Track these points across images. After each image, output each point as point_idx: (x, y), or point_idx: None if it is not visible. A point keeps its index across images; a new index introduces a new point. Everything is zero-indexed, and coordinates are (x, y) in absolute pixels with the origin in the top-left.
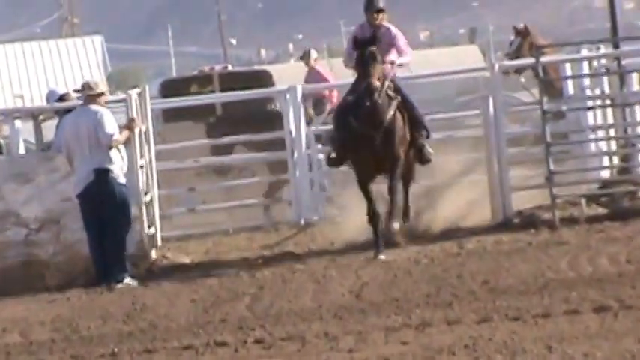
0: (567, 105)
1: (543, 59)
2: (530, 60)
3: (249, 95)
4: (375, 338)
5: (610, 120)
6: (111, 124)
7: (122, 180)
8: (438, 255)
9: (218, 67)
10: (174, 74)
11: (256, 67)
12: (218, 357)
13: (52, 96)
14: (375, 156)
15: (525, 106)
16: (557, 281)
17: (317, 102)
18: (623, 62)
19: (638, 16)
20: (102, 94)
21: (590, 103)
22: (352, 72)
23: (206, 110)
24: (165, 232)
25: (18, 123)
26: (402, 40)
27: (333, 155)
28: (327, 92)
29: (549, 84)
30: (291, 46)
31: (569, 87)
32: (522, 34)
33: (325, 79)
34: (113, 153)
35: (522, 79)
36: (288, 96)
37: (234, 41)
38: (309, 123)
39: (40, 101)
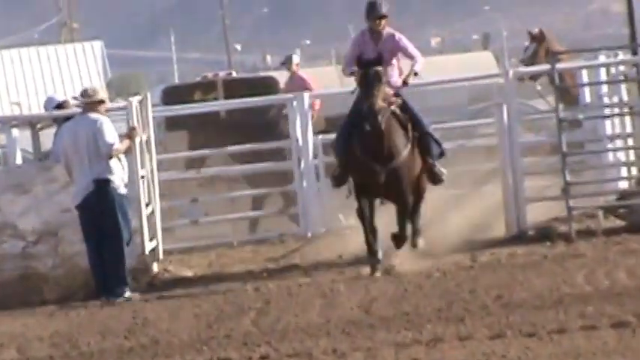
0: (584, 113)
1: (559, 65)
2: (546, 66)
3: (254, 103)
4: (385, 355)
5: (628, 129)
6: (111, 132)
7: (123, 190)
8: (450, 268)
9: (222, 74)
10: (176, 81)
11: (262, 74)
12: None
13: (50, 103)
14: (379, 190)
15: (541, 115)
16: (573, 296)
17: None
18: None
19: None
20: (102, 101)
21: (607, 111)
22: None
23: (210, 118)
24: (167, 245)
25: (15, 131)
26: (408, 44)
27: (337, 173)
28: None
29: (565, 91)
30: (298, 52)
31: (586, 94)
32: (537, 39)
33: (308, 87)
34: (113, 163)
35: (538, 87)
36: (295, 103)
37: (238, 46)
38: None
39: (37, 109)
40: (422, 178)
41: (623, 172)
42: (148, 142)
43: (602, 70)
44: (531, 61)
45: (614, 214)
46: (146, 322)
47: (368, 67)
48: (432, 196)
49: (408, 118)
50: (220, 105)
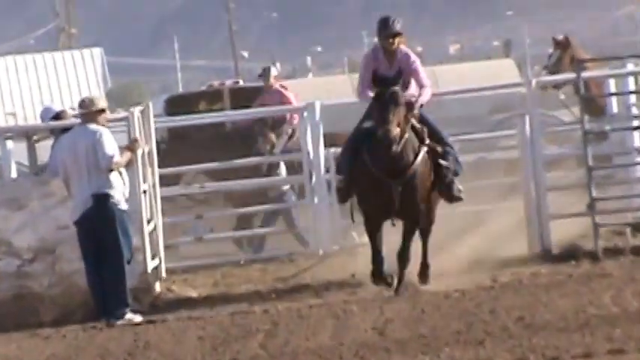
0: (611, 124)
1: (585, 74)
2: (571, 75)
3: (263, 113)
4: None
5: None
6: (111, 144)
7: (123, 206)
8: (469, 288)
9: (229, 82)
10: (180, 90)
11: None
12: None
13: (46, 114)
14: (391, 205)
15: (565, 126)
16: (599, 318)
17: (275, 124)
18: None
19: None
20: (102, 111)
21: (636, 122)
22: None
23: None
24: (170, 263)
25: (10, 143)
26: (420, 69)
27: (341, 187)
28: (288, 115)
29: (591, 101)
30: (309, 60)
31: (614, 105)
32: (562, 46)
33: (287, 100)
34: (113, 176)
35: (562, 96)
36: (305, 114)
37: (246, 54)
38: (271, 149)
39: (33, 120)
40: (434, 196)
41: None
42: (150, 154)
43: (630, 79)
44: (555, 68)
45: None
46: (148, 345)
47: (384, 87)
48: (450, 212)
49: (426, 130)
50: (227, 116)
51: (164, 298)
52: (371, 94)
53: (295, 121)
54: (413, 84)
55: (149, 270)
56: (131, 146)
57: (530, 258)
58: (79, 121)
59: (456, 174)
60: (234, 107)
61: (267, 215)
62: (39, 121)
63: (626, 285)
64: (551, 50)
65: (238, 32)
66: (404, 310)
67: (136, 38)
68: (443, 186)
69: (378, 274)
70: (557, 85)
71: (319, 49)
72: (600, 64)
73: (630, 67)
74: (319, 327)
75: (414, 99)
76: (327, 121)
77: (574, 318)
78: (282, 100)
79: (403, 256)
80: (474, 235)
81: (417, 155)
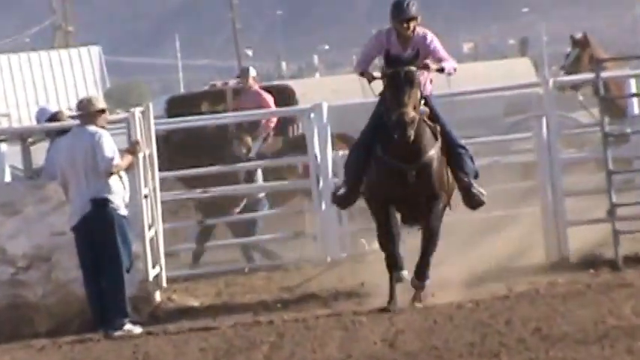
0: (632, 127)
1: (605, 74)
2: (590, 75)
3: (267, 115)
4: None
5: None
6: (110, 146)
7: (123, 211)
8: (483, 298)
9: (232, 82)
10: (182, 90)
11: (276, 83)
12: None
13: (42, 115)
14: (407, 196)
15: (584, 128)
16: (620, 329)
17: (251, 127)
18: None
19: None
20: (102, 112)
21: None
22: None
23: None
24: (171, 272)
25: (3, 146)
26: (439, 47)
27: (343, 191)
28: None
29: (611, 102)
30: (316, 58)
31: (635, 106)
32: (581, 44)
33: (264, 104)
34: (113, 180)
35: (580, 97)
36: (312, 115)
37: (250, 52)
38: (248, 152)
39: (28, 121)
40: (448, 193)
41: None
42: (150, 157)
43: None
44: (573, 68)
45: None
46: (147, 357)
47: (399, 67)
48: (463, 219)
49: (438, 130)
50: (230, 117)
51: (164, 307)
52: (363, 67)
53: (272, 125)
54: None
55: (150, 278)
56: (132, 149)
57: (547, 266)
58: (76, 122)
59: (475, 176)
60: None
61: (248, 223)
62: (34, 123)
63: None
64: (569, 49)
65: (242, 30)
66: (415, 321)
67: (136, 36)
68: (461, 191)
69: (395, 266)
70: (575, 86)
71: (326, 47)
72: (620, 63)
73: None
74: (327, 338)
75: (436, 66)
76: (336, 123)
77: (593, 329)
78: (260, 102)
79: (421, 269)
80: (487, 243)
81: (432, 146)
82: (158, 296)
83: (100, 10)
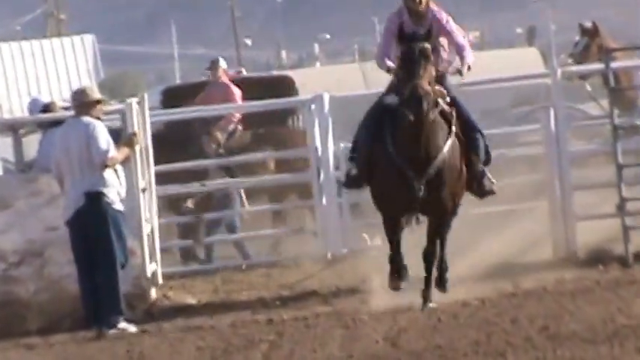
0: None
1: (615, 64)
2: (599, 65)
3: (267, 105)
4: None
5: None
6: (105, 138)
7: (118, 206)
8: (489, 296)
9: (231, 73)
10: (178, 81)
11: (276, 73)
12: None
13: (34, 106)
14: (413, 198)
15: (593, 120)
16: (629, 327)
17: (215, 120)
18: None
19: None
20: (97, 102)
21: None
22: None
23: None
24: (167, 268)
25: None
26: (455, 29)
27: (354, 172)
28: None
29: (621, 94)
30: (316, 47)
31: None
32: (590, 33)
33: (231, 98)
34: (108, 174)
35: (588, 87)
36: (313, 106)
37: (249, 41)
38: (218, 147)
39: (20, 112)
40: (460, 187)
41: None
42: (146, 150)
43: None
44: (581, 57)
45: None
46: (142, 356)
47: (413, 43)
48: (468, 213)
49: (455, 114)
50: (228, 108)
51: (160, 305)
52: (390, 63)
53: (235, 119)
54: (440, 49)
55: (148, 274)
56: (129, 142)
57: (554, 263)
58: (69, 113)
59: (487, 163)
60: None
61: (211, 222)
62: (26, 114)
63: None
64: (577, 38)
65: (241, 18)
66: (419, 319)
67: (131, 24)
68: (472, 178)
69: (396, 273)
70: (583, 76)
71: (328, 36)
72: (631, 53)
73: None
74: (327, 337)
75: (458, 65)
76: (337, 115)
77: (602, 328)
78: (228, 95)
79: (430, 254)
80: (493, 239)
81: (445, 142)
82: (154, 293)
83: None
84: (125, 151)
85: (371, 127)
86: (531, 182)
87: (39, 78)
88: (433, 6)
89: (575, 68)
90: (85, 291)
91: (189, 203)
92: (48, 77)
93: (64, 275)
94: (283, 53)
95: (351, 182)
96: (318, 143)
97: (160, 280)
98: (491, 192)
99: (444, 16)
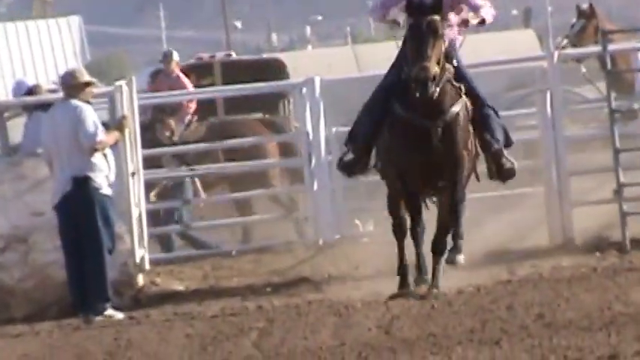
0: None
1: (612, 47)
2: (596, 48)
3: (257, 89)
4: None
5: None
6: (93, 121)
7: (106, 190)
8: (484, 283)
9: (220, 55)
10: None
11: (266, 55)
12: None
13: (19, 88)
14: (427, 158)
15: (590, 104)
16: (627, 315)
17: (174, 112)
18: None
19: None
20: (87, 84)
21: None
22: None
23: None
24: (155, 254)
25: None
26: None
27: (350, 156)
28: (185, 102)
29: (619, 77)
30: (308, 30)
31: None
32: (587, 15)
33: (183, 88)
34: (97, 158)
35: (583, 69)
36: (304, 90)
37: (239, 24)
38: (171, 136)
39: (4, 95)
40: (473, 165)
41: None
42: (134, 134)
43: None
44: (577, 39)
45: None
46: (130, 344)
47: (421, 16)
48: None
49: (464, 89)
50: (217, 91)
51: (148, 292)
52: (383, 12)
53: (190, 110)
54: (452, 21)
55: (137, 260)
56: (119, 125)
57: (551, 249)
58: (54, 96)
59: (507, 144)
60: (225, 82)
61: (166, 211)
62: (10, 97)
63: None
64: (574, 20)
65: (231, 0)
66: (412, 307)
67: (118, 5)
68: (489, 160)
69: (403, 262)
70: (578, 59)
71: (319, 18)
72: (628, 36)
73: None
74: (319, 325)
75: (476, 19)
76: (329, 99)
77: (599, 315)
78: (178, 86)
79: (439, 243)
80: (489, 225)
81: (456, 102)
82: (141, 280)
83: None
84: (115, 134)
85: (374, 109)
86: (527, 167)
87: (24, 60)
88: None
89: (571, 51)
90: (73, 277)
91: (152, 195)
92: (33, 59)
93: (49, 262)
94: (274, 36)
95: (344, 167)
96: (309, 127)
97: (148, 266)
98: (512, 173)
99: None
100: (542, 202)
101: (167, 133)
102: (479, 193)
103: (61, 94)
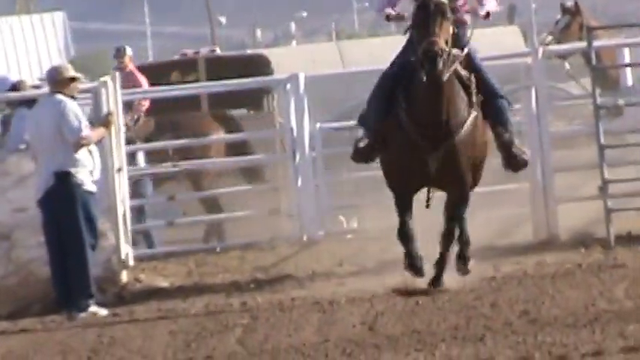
0: (625, 98)
1: (597, 43)
2: (581, 44)
3: (242, 85)
4: None
5: None
6: (78, 116)
7: (89, 186)
8: (468, 279)
9: (204, 51)
10: (150, 59)
11: (250, 51)
12: None
13: (2, 84)
14: (428, 172)
15: (575, 100)
16: (611, 312)
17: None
18: None
19: None
20: (72, 80)
21: None
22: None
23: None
24: (139, 250)
25: None
26: None
27: (363, 144)
28: (135, 100)
29: (603, 73)
30: (293, 26)
31: (628, 77)
32: (571, 12)
33: (138, 85)
34: (81, 154)
35: (567, 66)
36: (288, 86)
37: (223, 19)
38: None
39: None
40: (482, 160)
41: None
42: (119, 130)
43: None
44: (562, 36)
45: None
46: (113, 341)
47: None
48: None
49: (474, 78)
50: (202, 87)
51: (132, 288)
52: (390, 10)
53: (143, 108)
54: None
55: (123, 257)
56: (105, 121)
57: (535, 246)
58: (39, 92)
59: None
60: (210, 78)
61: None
62: None
63: None
64: (559, 16)
65: None
66: (396, 304)
67: (103, 1)
68: (501, 152)
69: (412, 257)
70: (562, 55)
71: (304, 14)
72: (613, 32)
73: None
74: (303, 321)
75: (483, 11)
76: (313, 94)
77: (583, 312)
78: (133, 83)
79: (448, 234)
80: (473, 221)
81: (466, 110)
82: (125, 276)
83: None
84: (101, 130)
85: (383, 94)
86: None
87: (7, 56)
88: None
89: (556, 47)
90: (56, 274)
91: None
92: (17, 55)
93: (32, 258)
94: (258, 32)
95: (359, 155)
96: (293, 123)
97: (132, 263)
98: (524, 164)
99: None
100: (527, 199)
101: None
102: None
103: (45, 90)
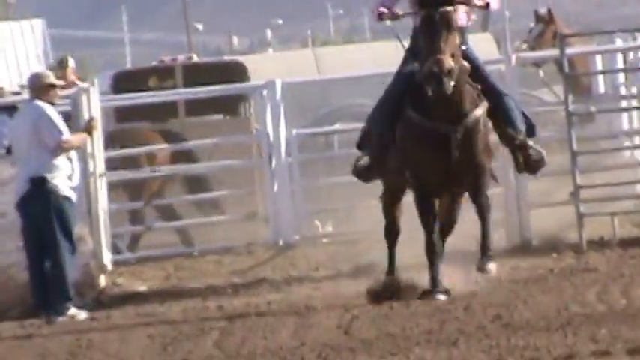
0: (597, 105)
1: (570, 51)
2: (554, 51)
3: (218, 91)
4: None
5: None
6: (58, 122)
7: (66, 192)
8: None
9: (181, 58)
10: (128, 65)
11: (227, 58)
12: None
13: None
14: (448, 170)
15: (547, 107)
16: (583, 316)
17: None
18: None
19: None
20: (52, 86)
21: (624, 103)
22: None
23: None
24: (117, 255)
25: None
26: None
27: (364, 162)
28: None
29: (576, 80)
30: (268, 33)
31: (600, 84)
32: (545, 20)
33: None
34: (60, 159)
35: (541, 74)
36: (265, 92)
37: (200, 27)
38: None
39: None
40: (488, 164)
41: None
42: (99, 135)
43: (619, 56)
44: (536, 43)
45: (630, 221)
46: (91, 344)
47: (432, 7)
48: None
49: (479, 87)
50: (179, 93)
51: (109, 292)
52: (384, 9)
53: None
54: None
55: (104, 261)
56: (88, 127)
57: (508, 250)
58: (18, 98)
59: (530, 134)
60: (187, 85)
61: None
62: None
63: (613, 280)
64: (532, 25)
65: (192, 3)
66: (371, 308)
67: (80, 8)
68: (515, 155)
69: (433, 250)
70: (536, 63)
71: (280, 21)
72: (585, 39)
73: (618, 43)
74: (279, 325)
75: (481, 1)
76: (289, 101)
77: (556, 316)
78: None
79: (480, 213)
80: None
81: (476, 105)
82: (103, 280)
83: None
84: (83, 136)
85: (389, 109)
86: None
87: None
88: None
89: (530, 54)
90: (34, 277)
91: None
92: None
93: (11, 263)
94: (235, 39)
95: (360, 172)
96: (269, 129)
97: (110, 267)
98: (542, 163)
99: None
100: (500, 204)
101: None
102: None
103: (25, 97)
